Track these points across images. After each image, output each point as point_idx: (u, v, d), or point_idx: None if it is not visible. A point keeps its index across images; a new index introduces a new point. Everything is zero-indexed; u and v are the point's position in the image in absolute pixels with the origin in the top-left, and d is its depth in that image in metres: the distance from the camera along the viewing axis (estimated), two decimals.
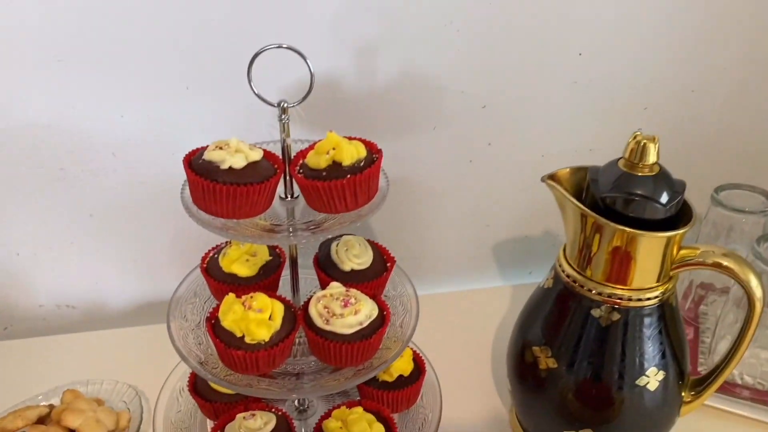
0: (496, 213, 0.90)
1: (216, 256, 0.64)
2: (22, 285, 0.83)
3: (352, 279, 0.62)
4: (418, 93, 0.78)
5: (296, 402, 0.70)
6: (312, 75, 0.52)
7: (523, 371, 0.63)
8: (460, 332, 0.85)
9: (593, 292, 0.56)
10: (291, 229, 0.55)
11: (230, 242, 0.64)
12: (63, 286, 0.84)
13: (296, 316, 0.57)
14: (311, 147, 0.56)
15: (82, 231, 0.80)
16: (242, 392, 0.55)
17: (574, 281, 0.58)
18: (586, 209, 0.54)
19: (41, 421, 0.65)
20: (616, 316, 0.56)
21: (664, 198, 0.53)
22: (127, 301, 0.87)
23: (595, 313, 0.56)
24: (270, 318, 0.54)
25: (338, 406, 0.64)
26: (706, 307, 0.83)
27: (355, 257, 0.63)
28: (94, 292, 0.86)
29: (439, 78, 0.77)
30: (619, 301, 0.55)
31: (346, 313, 0.55)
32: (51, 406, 0.67)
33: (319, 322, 0.56)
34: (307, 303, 0.58)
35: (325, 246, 0.65)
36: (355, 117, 0.78)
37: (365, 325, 0.55)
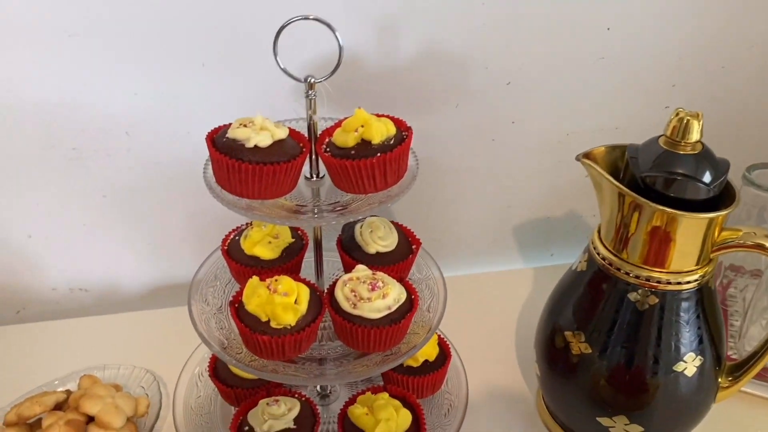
0: (518, 193, 0.88)
1: (237, 238, 0.62)
2: (34, 268, 0.81)
3: (376, 262, 0.60)
4: (440, 69, 0.75)
5: (318, 387, 0.69)
6: (341, 47, 0.49)
7: (554, 356, 0.61)
8: (483, 315, 0.83)
9: (630, 275, 0.54)
10: (316, 211, 0.53)
11: (251, 224, 0.62)
12: (76, 269, 0.83)
13: (322, 300, 0.56)
14: (337, 125, 0.53)
15: (95, 212, 0.78)
16: (267, 378, 0.53)
17: (610, 264, 0.55)
18: (625, 189, 0.52)
19: (59, 407, 0.63)
20: (653, 300, 0.54)
21: (707, 177, 0.51)
22: (141, 284, 0.86)
23: (632, 296, 0.54)
24: (295, 302, 0.53)
25: (362, 392, 0.62)
26: (735, 290, 0.80)
27: (380, 239, 0.61)
28: (107, 275, 0.84)
29: (463, 53, 0.74)
30: (656, 284, 0.53)
31: (373, 297, 0.53)
32: (68, 392, 0.65)
33: (346, 306, 0.54)
34: (332, 286, 0.56)
35: (349, 228, 0.63)
36: (375, 94, 0.75)
37: (393, 309, 0.54)
